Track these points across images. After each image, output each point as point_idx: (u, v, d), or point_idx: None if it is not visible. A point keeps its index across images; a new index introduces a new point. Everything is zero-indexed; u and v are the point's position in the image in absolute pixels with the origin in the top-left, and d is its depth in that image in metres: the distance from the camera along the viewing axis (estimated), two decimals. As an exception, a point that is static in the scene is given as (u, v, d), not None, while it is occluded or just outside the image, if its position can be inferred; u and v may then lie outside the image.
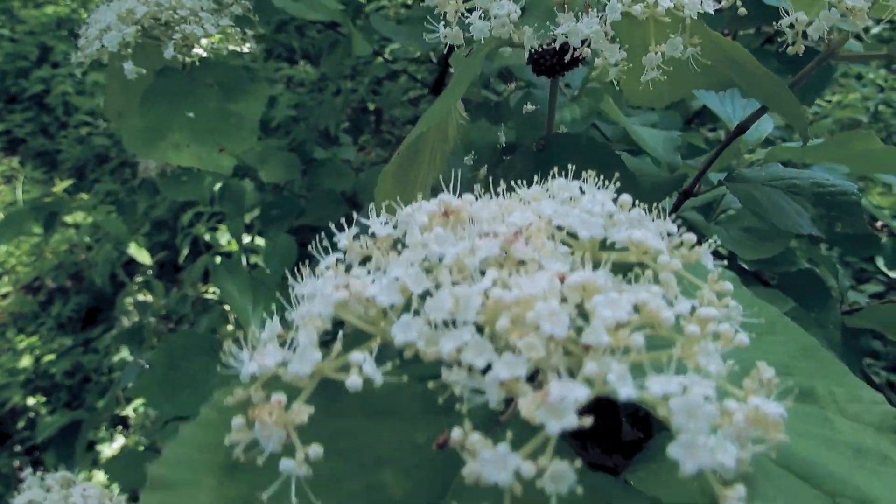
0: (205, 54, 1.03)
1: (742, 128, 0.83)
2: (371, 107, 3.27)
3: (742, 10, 0.65)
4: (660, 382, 0.32)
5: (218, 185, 2.16)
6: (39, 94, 4.11)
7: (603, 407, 0.68)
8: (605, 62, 0.61)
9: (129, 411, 2.60)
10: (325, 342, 0.42)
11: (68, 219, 3.28)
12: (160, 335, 2.56)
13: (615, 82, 0.68)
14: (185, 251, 3.08)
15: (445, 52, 0.81)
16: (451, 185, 0.47)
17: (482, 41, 0.63)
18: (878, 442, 0.42)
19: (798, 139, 0.80)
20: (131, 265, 3.21)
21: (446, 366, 0.34)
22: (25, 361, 2.99)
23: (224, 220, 2.91)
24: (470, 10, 0.65)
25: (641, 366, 0.33)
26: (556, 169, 0.47)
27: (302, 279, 0.44)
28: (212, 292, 2.95)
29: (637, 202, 0.43)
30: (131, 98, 1.07)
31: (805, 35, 0.64)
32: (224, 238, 2.94)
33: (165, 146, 0.98)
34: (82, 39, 1.04)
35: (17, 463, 2.57)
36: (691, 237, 0.41)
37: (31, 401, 2.86)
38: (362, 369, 0.36)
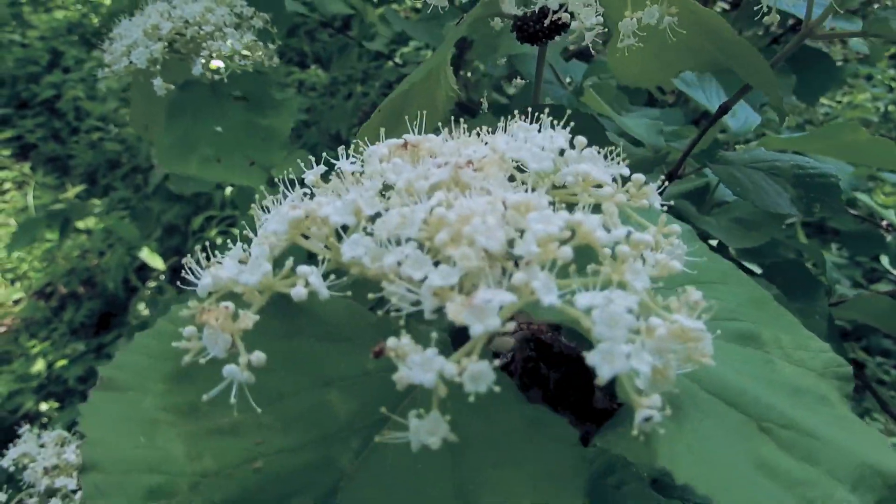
0: (222, 66, 1.04)
1: (724, 108, 0.84)
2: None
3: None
4: (586, 296, 0.33)
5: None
6: (50, 100, 4.07)
7: (575, 375, 0.69)
8: (581, 25, 0.62)
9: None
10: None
11: (80, 224, 3.28)
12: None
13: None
14: (197, 256, 3.07)
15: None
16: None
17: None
18: (819, 385, 0.43)
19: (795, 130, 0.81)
20: (143, 270, 3.20)
21: (388, 280, 0.36)
22: (38, 367, 2.97)
23: (235, 223, 2.92)
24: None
25: (572, 288, 0.34)
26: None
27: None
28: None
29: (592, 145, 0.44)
30: (156, 110, 1.08)
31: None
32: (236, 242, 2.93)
33: (195, 160, 0.99)
34: (108, 55, 1.05)
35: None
36: (639, 177, 0.42)
37: (43, 406, 2.84)
38: (308, 281, 0.37)
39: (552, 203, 0.37)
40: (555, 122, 0.45)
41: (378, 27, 1.65)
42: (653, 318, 0.33)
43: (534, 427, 0.38)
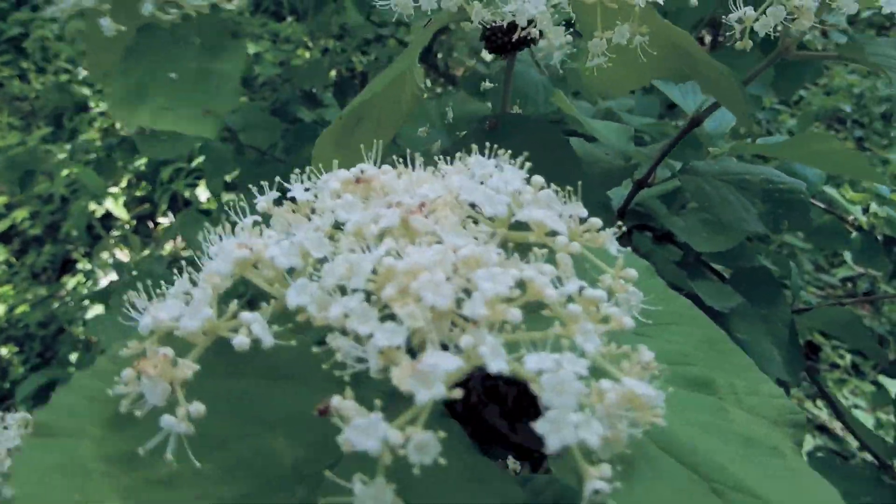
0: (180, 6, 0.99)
1: (696, 120, 0.83)
2: (359, 67, 3.20)
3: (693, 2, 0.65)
4: (536, 358, 0.32)
5: (198, 145, 2.13)
6: (17, 38, 3.90)
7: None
8: (550, 44, 0.61)
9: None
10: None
11: (44, 166, 3.21)
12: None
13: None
14: (164, 207, 3.04)
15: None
16: (378, 157, 0.47)
17: (430, 13, 0.63)
18: (771, 434, 0.43)
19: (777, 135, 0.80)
20: (108, 218, 3.15)
21: (333, 331, 0.35)
22: (-1, 311, 2.94)
23: (203, 177, 2.88)
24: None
25: (521, 343, 0.33)
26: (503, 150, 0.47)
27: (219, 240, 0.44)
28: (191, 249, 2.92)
29: (549, 185, 0.43)
30: (114, 56, 1.02)
31: (753, 32, 0.64)
32: (204, 195, 2.90)
33: (147, 110, 0.94)
34: None
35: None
36: (595, 222, 0.41)
37: (3, 350, 2.81)
38: (251, 329, 0.36)
39: (505, 246, 0.36)
40: (512, 158, 0.44)
41: (349, 13, 1.61)
42: (603, 382, 0.32)
43: (477, 482, 0.37)
